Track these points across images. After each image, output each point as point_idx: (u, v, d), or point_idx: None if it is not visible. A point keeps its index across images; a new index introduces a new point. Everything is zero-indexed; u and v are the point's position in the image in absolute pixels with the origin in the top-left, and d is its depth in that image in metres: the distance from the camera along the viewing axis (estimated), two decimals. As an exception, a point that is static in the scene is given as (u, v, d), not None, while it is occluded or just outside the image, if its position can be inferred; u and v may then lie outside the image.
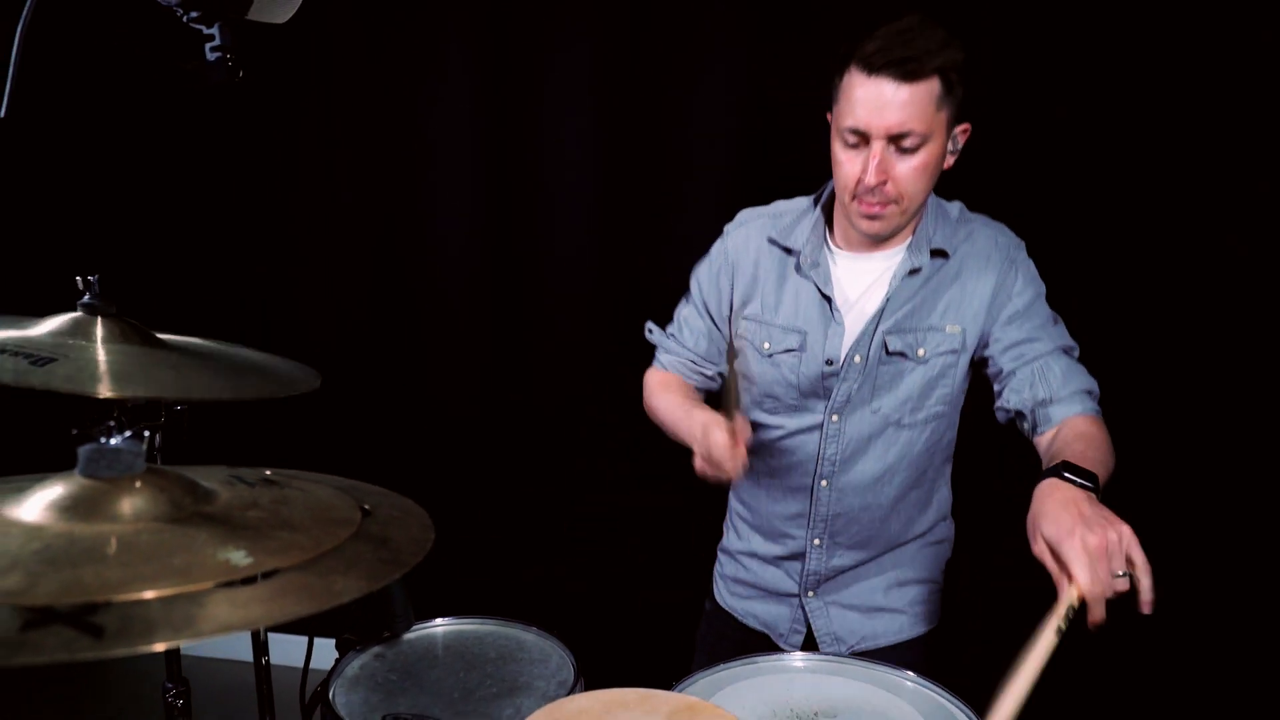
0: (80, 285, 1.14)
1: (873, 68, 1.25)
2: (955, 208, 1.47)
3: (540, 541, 2.32)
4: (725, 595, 1.67)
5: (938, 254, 1.41)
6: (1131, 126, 2.03)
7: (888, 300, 1.41)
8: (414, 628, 1.30)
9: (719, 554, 1.71)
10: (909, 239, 1.42)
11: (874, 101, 1.25)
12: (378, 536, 0.77)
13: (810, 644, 1.57)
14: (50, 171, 2.14)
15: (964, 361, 1.42)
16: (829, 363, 1.44)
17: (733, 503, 1.68)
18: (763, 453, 1.54)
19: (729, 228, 1.57)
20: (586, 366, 2.37)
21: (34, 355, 1.03)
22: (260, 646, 1.27)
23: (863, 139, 1.29)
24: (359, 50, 2.40)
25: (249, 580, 0.65)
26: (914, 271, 1.40)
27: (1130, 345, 2.09)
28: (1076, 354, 1.40)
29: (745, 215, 1.56)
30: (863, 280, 1.45)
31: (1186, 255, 2.04)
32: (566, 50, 2.33)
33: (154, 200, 2.44)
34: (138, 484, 0.75)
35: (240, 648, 2.83)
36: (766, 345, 1.48)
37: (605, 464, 2.27)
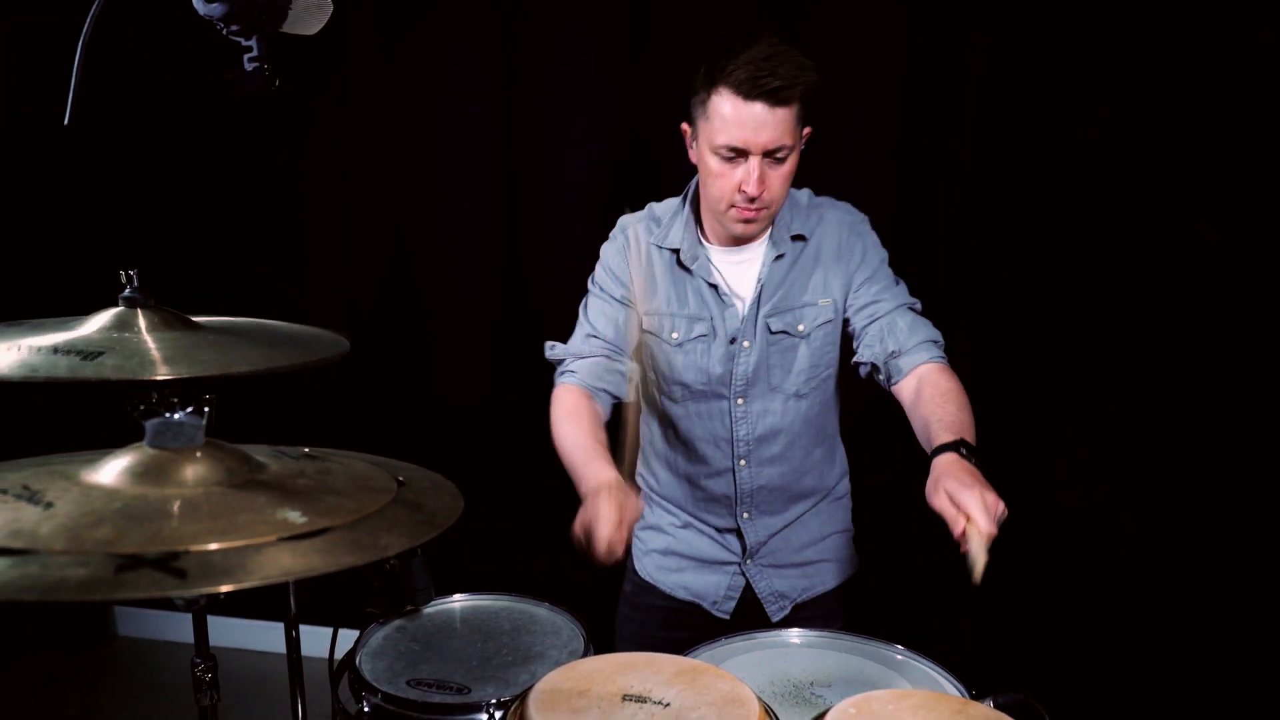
0: (123, 279, 1.23)
1: (748, 95, 1.38)
2: (804, 195, 1.61)
3: (551, 524, 2.39)
4: (652, 570, 1.72)
5: (797, 238, 1.56)
6: (1117, 125, 2.12)
7: (762, 286, 1.55)
8: (433, 603, 1.39)
9: (638, 533, 1.75)
10: (769, 232, 1.57)
11: (751, 124, 1.39)
12: (413, 503, 0.86)
13: (743, 609, 1.65)
14: (95, 173, 2.27)
15: (839, 326, 1.58)
16: (732, 341, 1.56)
17: (650, 484, 1.73)
18: (679, 444, 1.65)
19: (615, 232, 1.65)
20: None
21: (84, 351, 1.11)
22: (291, 620, 1.35)
23: (740, 155, 1.43)
24: (373, 58, 2.48)
25: (306, 535, 0.74)
26: (779, 257, 1.55)
27: (1125, 344, 2.19)
28: (919, 308, 1.57)
29: (625, 220, 1.65)
30: (736, 270, 1.57)
31: (1167, 249, 2.13)
32: (571, 57, 2.42)
33: (183, 198, 2.55)
34: (198, 454, 0.84)
35: (268, 639, 2.93)
36: (676, 335, 1.58)
37: (615, 452, 2.34)
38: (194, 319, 1.26)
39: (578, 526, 1.31)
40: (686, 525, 1.70)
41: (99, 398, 1.16)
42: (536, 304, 2.53)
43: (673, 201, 1.65)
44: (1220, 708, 2.21)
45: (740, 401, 1.58)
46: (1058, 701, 1.11)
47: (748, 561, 1.67)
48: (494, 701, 1.14)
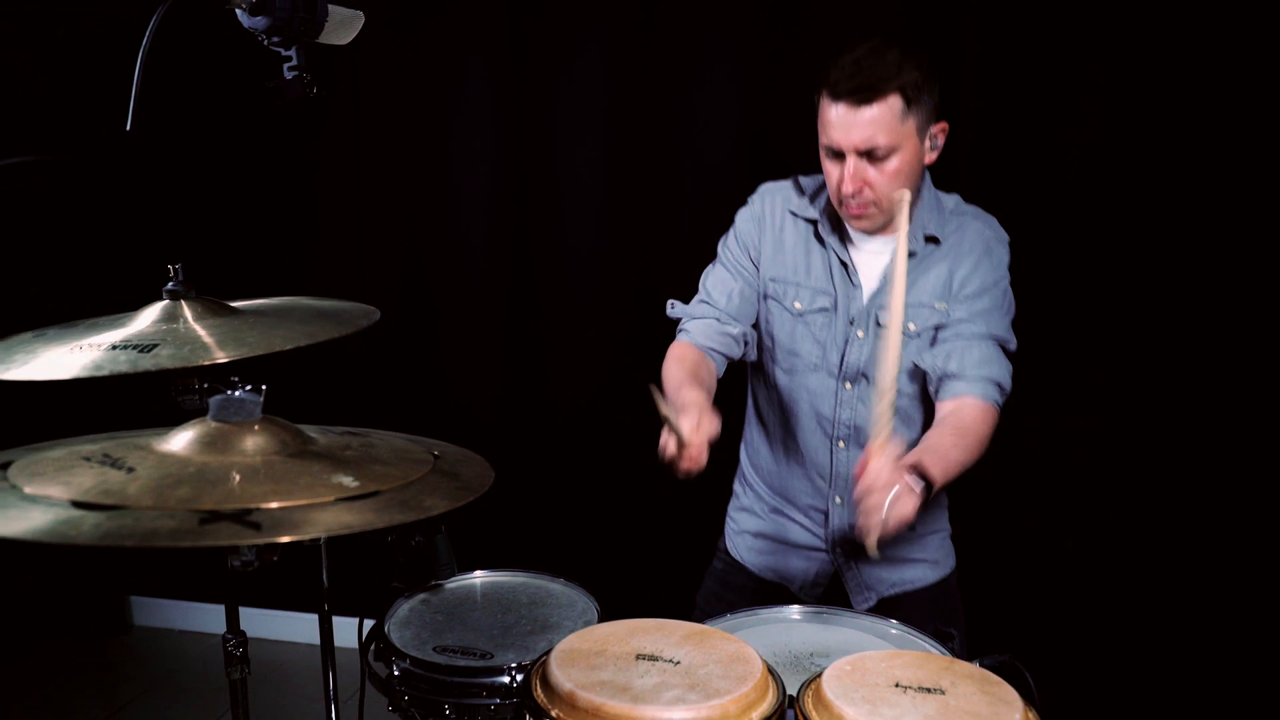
0: (170, 273, 1.33)
1: (836, 95, 1.45)
2: (952, 200, 1.63)
3: (565, 505, 2.55)
4: (743, 551, 1.78)
5: (930, 240, 1.58)
6: (1120, 127, 2.23)
7: (884, 279, 1.57)
8: (455, 578, 1.48)
9: (733, 513, 1.83)
10: (906, 225, 1.57)
11: (840, 124, 1.45)
12: (449, 472, 0.96)
13: (830, 596, 1.72)
14: (147, 174, 2.41)
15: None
16: (851, 323, 1.59)
17: (746, 463, 1.81)
18: (783, 414, 1.69)
19: (752, 198, 1.70)
20: (600, 353, 2.56)
21: (140, 345, 1.20)
22: (324, 592, 1.45)
23: (838, 154, 1.48)
24: (388, 61, 2.58)
25: (359, 496, 0.84)
26: (910, 255, 1.55)
27: (1112, 325, 2.30)
28: (1012, 348, 1.57)
29: (766, 187, 1.69)
30: (866, 259, 1.60)
31: (1157, 236, 2.23)
32: (579, 59, 2.51)
33: (217, 196, 2.67)
34: (256, 427, 0.94)
35: (298, 630, 3.03)
36: (798, 304, 1.62)
37: (622, 437, 2.45)
38: (232, 304, 1.37)
39: (663, 441, 1.37)
40: (777, 510, 1.75)
41: (143, 388, 1.24)
42: (545, 298, 2.63)
43: (817, 177, 1.64)
44: (1197, 667, 2.33)
45: (848, 386, 1.61)
46: (1040, 663, 1.20)
47: (837, 550, 1.70)
48: (515, 665, 1.24)
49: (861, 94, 1.42)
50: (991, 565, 2.26)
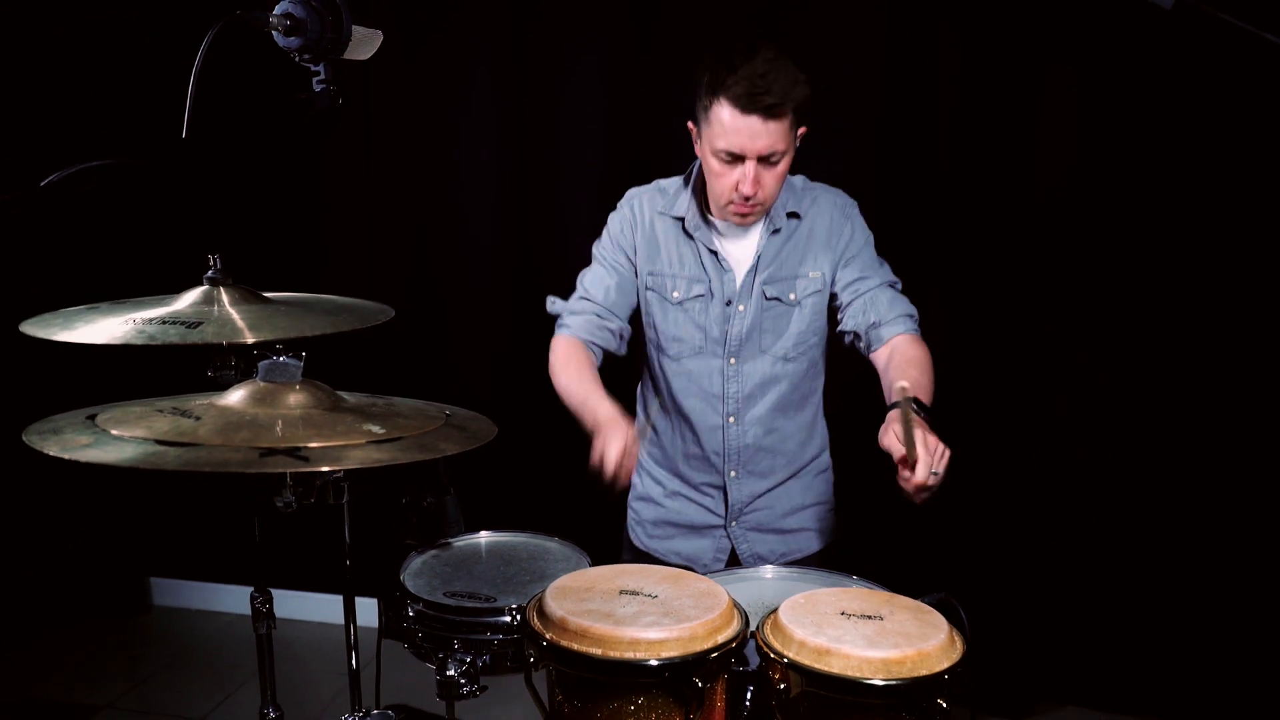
0: (211, 262, 1.52)
1: (745, 109, 1.58)
2: (799, 180, 1.83)
3: (560, 473, 2.70)
4: (645, 539, 1.94)
5: (792, 215, 1.78)
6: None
7: (759, 256, 1.77)
8: (462, 537, 1.67)
9: (632, 504, 1.98)
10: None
11: (746, 133, 1.60)
12: (460, 426, 1.16)
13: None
14: (192, 175, 2.74)
15: (826, 298, 1.80)
16: (728, 303, 1.78)
17: (644, 456, 1.95)
18: (673, 401, 1.85)
19: (621, 203, 1.88)
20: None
21: (187, 322, 1.40)
22: (346, 550, 1.64)
23: (736, 159, 1.64)
24: (396, 63, 2.79)
25: (386, 440, 1.03)
26: (776, 231, 1.77)
27: (1084, 306, 2.52)
28: (899, 287, 1.81)
29: (632, 192, 1.88)
30: (736, 243, 1.79)
31: (1132, 222, 2.45)
32: (579, 61, 2.72)
33: (250, 194, 2.93)
34: (297, 387, 1.13)
35: (324, 610, 3.24)
36: (676, 294, 1.79)
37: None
38: (264, 294, 1.56)
39: (593, 458, 1.54)
40: (675, 494, 1.91)
41: (177, 361, 1.43)
42: (546, 289, 2.83)
43: (676, 179, 1.86)
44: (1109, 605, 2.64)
45: (733, 361, 1.79)
46: (972, 601, 1.39)
47: (732, 524, 1.87)
48: (515, 607, 1.42)
49: (771, 110, 1.58)
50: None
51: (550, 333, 1.88)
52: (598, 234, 2.42)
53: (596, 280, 1.86)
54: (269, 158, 2.87)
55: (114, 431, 0.99)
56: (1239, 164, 2.36)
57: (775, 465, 1.87)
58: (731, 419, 1.83)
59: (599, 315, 1.83)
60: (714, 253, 1.79)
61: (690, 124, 1.75)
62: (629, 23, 2.67)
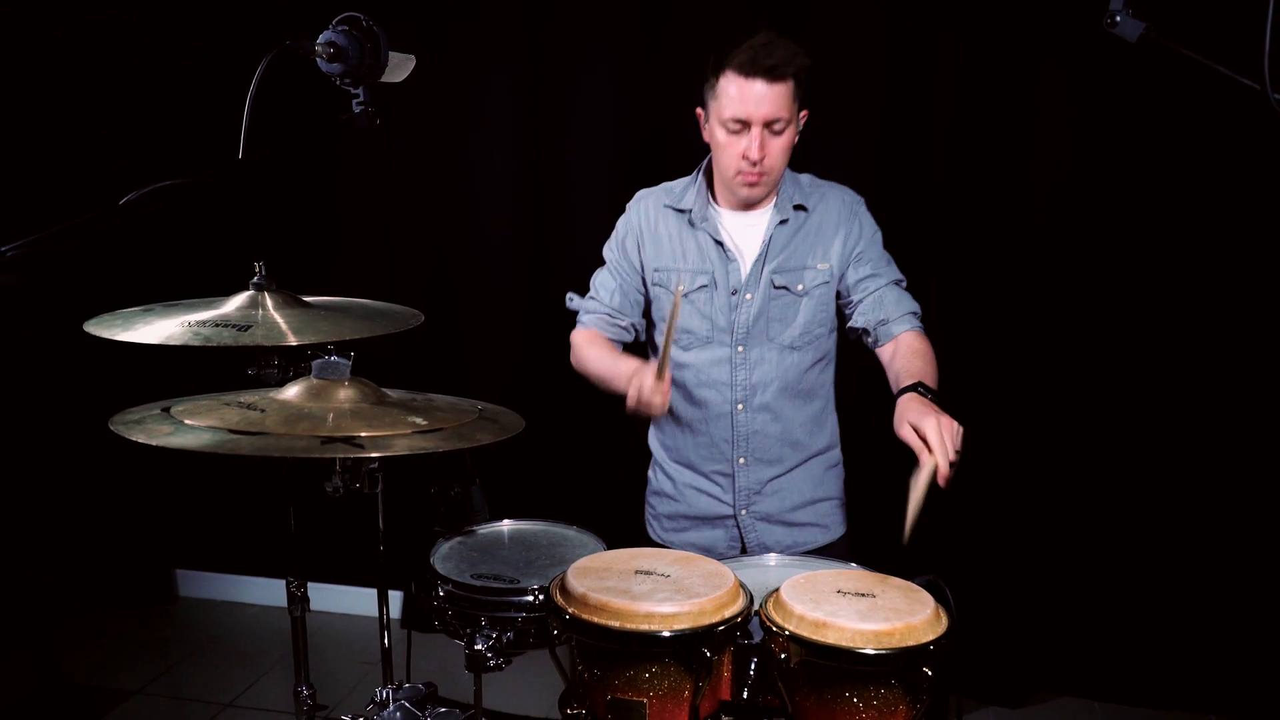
0: (257, 268, 1.66)
1: (749, 73, 1.72)
2: (806, 178, 1.94)
3: (581, 465, 2.95)
4: (661, 532, 2.05)
5: (799, 208, 1.89)
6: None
7: (768, 246, 1.87)
8: (486, 525, 1.81)
9: (649, 499, 2.10)
10: (774, 201, 1.89)
11: (752, 98, 1.72)
12: (491, 419, 1.29)
13: None
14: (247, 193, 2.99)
15: (834, 290, 1.91)
16: (734, 293, 1.87)
17: (657, 448, 2.07)
18: (683, 392, 1.95)
19: (630, 204, 2.00)
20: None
21: (237, 325, 1.53)
22: (380, 536, 1.78)
23: (744, 126, 1.75)
24: (415, 79, 2.91)
25: (428, 431, 1.17)
26: (783, 222, 1.87)
27: (1076, 300, 2.65)
28: (904, 284, 1.93)
29: (641, 193, 2.00)
30: (744, 232, 1.90)
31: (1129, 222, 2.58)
32: (591, 68, 2.86)
33: (290, 206, 3.12)
34: (346, 383, 1.27)
35: (358, 602, 3.38)
36: (681, 287, 1.89)
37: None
38: (304, 298, 1.70)
39: (629, 402, 1.68)
40: (687, 486, 2.00)
41: (218, 360, 1.57)
42: (560, 290, 2.96)
43: (684, 178, 1.97)
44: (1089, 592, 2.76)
45: (740, 349, 1.88)
46: (971, 591, 1.52)
47: (742, 514, 1.97)
48: (537, 587, 1.56)
49: (773, 71, 1.71)
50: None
51: (565, 333, 2.02)
52: (609, 236, 2.57)
53: (604, 285, 2.00)
54: (308, 172, 3.06)
55: (188, 422, 1.13)
56: (1238, 165, 2.49)
57: (783, 452, 1.95)
58: (740, 406, 1.92)
59: (609, 315, 1.98)
60: (719, 243, 1.90)
61: (698, 110, 1.86)
62: (639, 31, 2.80)
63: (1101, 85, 2.53)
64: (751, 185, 1.82)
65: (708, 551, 1.99)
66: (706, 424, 1.96)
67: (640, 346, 2.06)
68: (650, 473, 2.12)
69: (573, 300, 2.05)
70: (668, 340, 1.68)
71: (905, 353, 1.80)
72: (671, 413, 2.00)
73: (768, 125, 1.75)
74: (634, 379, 1.69)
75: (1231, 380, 2.61)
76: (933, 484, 1.52)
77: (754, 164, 1.77)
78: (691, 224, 1.92)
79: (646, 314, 2.01)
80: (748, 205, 1.90)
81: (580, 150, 2.91)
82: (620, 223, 2.02)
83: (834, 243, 1.90)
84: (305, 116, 1.84)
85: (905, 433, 1.58)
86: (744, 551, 2.00)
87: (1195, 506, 2.69)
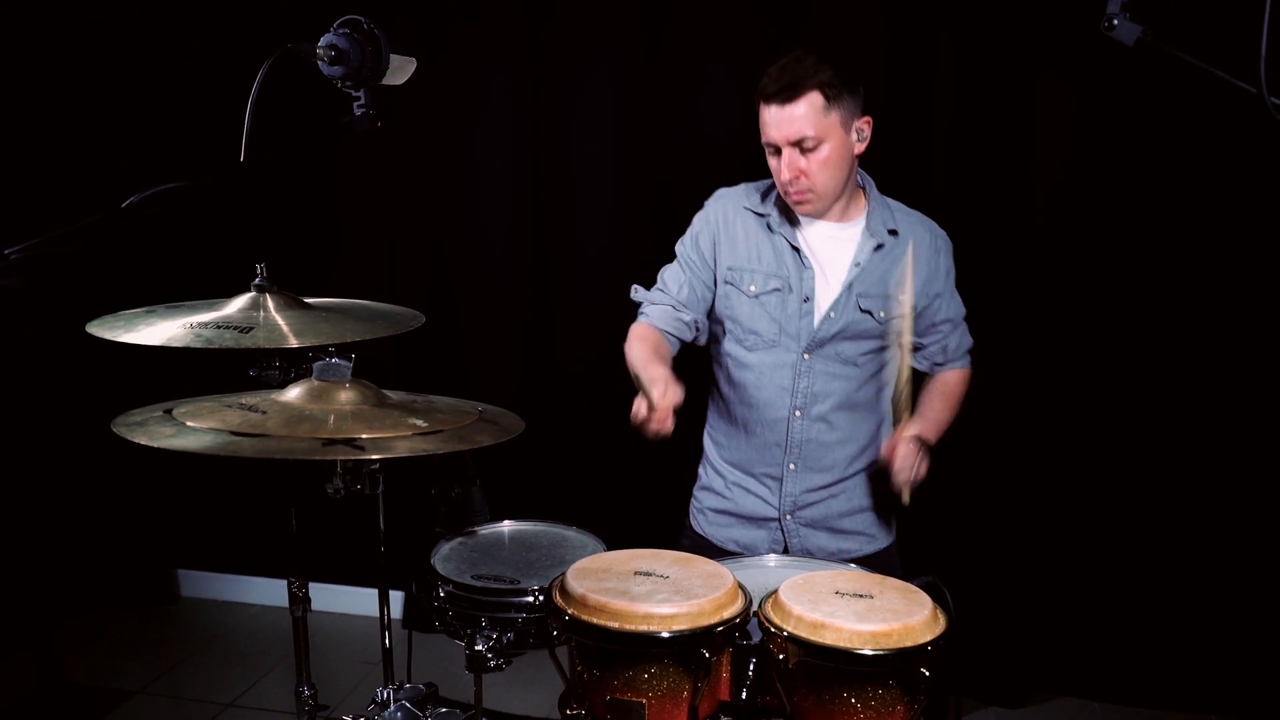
0: (258, 270, 1.67)
1: (765, 98, 1.79)
2: (895, 203, 1.98)
3: (581, 466, 2.95)
4: (705, 526, 2.06)
5: (892, 232, 1.91)
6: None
7: (860, 269, 1.88)
8: (487, 525, 1.81)
9: (696, 493, 2.11)
10: (862, 216, 1.92)
11: (773, 122, 1.79)
12: (491, 420, 1.30)
13: None
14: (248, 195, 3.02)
15: (910, 321, 1.90)
16: (805, 300, 1.88)
17: (709, 444, 2.09)
18: (741, 393, 1.96)
19: (709, 202, 2.02)
20: (609, 342, 2.88)
21: (239, 327, 1.54)
22: (381, 537, 1.79)
23: (776, 151, 1.81)
24: (416, 81, 2.92)
25: (428, 433, 1.18)
26: (879, 247, 1.89)
27: (1069, 301, 2.67)
28: (965, 315, 2.03)
29: (721, 192, 2.02)
30: (828, 242, 1.91)
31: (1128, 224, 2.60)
32: (591, 73, 2.87)
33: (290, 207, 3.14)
34: (347, 385, 1.28)
35: (359, 603, 3.38)
36: (753, 288, 1.90)
37: (628, 413, 2.79)
38: (305, 300, 1.71)
39: (635, 407, 1.69)
40: (735, 485, 2.01)
41: (217, 361, 1.57)
42: (560, 293, 2.98)
43: (765, 181, 1.97)
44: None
45: (807, 357, 1.90)
46: (972, 592, 1.53)
47: (787, 518, 1.97)
48: (537, 588, 1.56)
49: (785, 94, 1.75)
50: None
51: (565, 335, 2.04)
52: (611, 239, 2.60)
53: (674, 278, 2.01)
54: (309, 175, 3.07)
55: (190, 424, 1.14)
56: (1235, 167, 2.50)
57: (834, 462, 1.96)
58: (798, 413, 1.92)
59: (674, 308, 1.98)
60: (796, 249, 1.91)
61: None
62: (640, 32, 2.81)
63: (1100, 88, 2.54)
64: (799, 203, 1.86)
65: (750, 551, 1.99)
66: (762, 427, 1.96)
67: (700, 353, 2.07)
68: (700, 468, 2.13)
69: (637, 292, 2.06)
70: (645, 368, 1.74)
71: (938, 389, 2.00)
72: (727, 411, 2.03)
73: (796, 145, 1.78)
74: (646, 387, 1.69)
75: (1230, 380, 2.62)
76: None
77: (790, 182, 1.81)
78: (769, 228, 1.94)
79: (710, 314, 2.01)
80: (825, 216, 1.92)
81: (581, 151, 2.93)
82: (697, 218, 2.03)
83: (919, 279, 1.92)
84: (306, 119, 1.85)
85: (884, 450, 1.83)
86: (786, 553, 1.99)
87: (1195, 507, 2.69)
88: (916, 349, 1.97)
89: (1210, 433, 2.65)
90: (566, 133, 2.92)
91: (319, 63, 1.53)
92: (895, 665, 1.26)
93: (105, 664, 3.15)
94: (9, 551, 3.36)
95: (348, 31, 1.53)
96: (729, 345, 1.99)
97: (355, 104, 1.59)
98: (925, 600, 1.37)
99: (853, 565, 1.74)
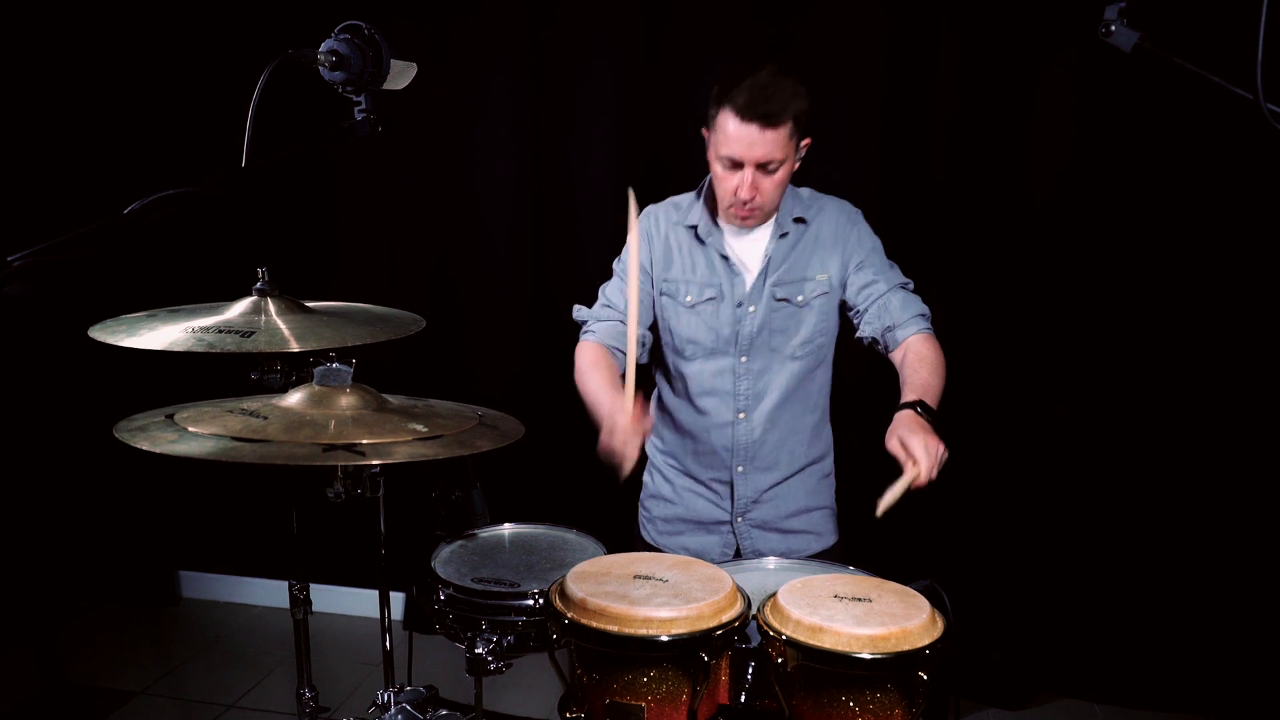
0: (260, 274, 1.67)
1: (745, 117, 1.72)
2: (805, 191, 1.98)
3: (581, 470, 2.84)
4: (655, 535, 2.07)
5: (798, 221, 1.91)
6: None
7: (769, 260, 1.90)
8: (487, 528, 1.82)
9: (644, 502, 2.11)
10: (774, 216, 1.92)
11: (745, 141, 1.74)
12: (492, 425, 1.31)
13: None
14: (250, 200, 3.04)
15: (834, 301, 1.93)
16: (739, 305, 1.90)
17: (654, 453, 2.08)
18: (686, 401, 1.97)
19: (639, 219, 1.97)
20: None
21: (241, 331, 1.54)
22: (381, 540, 1.79)
23: (737, 165, 1.78)
24: (417, 85, 2.94)
25: (428, 438, 1.19)
26: (783, 235, 1.90)
27: (1072, 299, 2.65)
28: (911, 287, 1.94)
29: (649, 208, 2.01)
30: (746, 246, 1.93)
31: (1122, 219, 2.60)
32: (590, 75, 2.88)
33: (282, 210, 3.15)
34: (348, 390, 1.29)
35: (360, 604, 3.39)
36: (689, 298, 1.92)
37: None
38: (307, 304, 1.71)
39: (599, 446, 1.66)
40: (685, 491, 2.02)
41: (217, 365, 1.58)
42: (562, 297, 2.97)
43: (688, 194, 2.00)
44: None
45: (744, 359, 1.92)
46: (972, 594, 1.53)
47: (738, 520, 1.99)
48: (537, 591, 1.57)
49: (770, 118, 1.73)
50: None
51: (566, 338, 2.03)
52: (611, 242, 2.59)
53: (617, 292, 2.00)
54: (311, 179, 3.08)
55: (192, 429, 1.15)
56: (1232, 172, 2.51)
57: (780, 459, 1.99)
58: (742, 415, 1.95)
59: (621, 322, 1.97)
60: (725, 258, 1.93)
61: (704, 130, 1.88)
62: (640, 36, 2.83)
63: (1100, 90, 2.55)
64: (744, 219, 1.86)
65: (701, 557, 2.01)
66: (708, 433, 1.98)
67: (643, 368, 2.03)
68: (646, 476, 2.13)
69: (580, 311, 2.05)
70: (629, 376, 1.69)
71: (912, 360, 1.82)
72: (672, 420, 2.03)
73: (760, 166, 1.77)
74: (608, 425, 1.67)
75: (1229, 381, 2.62)
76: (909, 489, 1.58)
77: (744, 202, 1.80)
78: (699, 239, 1.95)
79: (653, 327, 2.02)
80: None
81: (582, 155, 2.94)
82: (630, 235, 2.00)
83: (833, 254, 1.93)
84: (308, 124, 1.86)
85: (893, 446, 1.62)
86: (738, 556, 2.01)
87: (1195, 508, 2.70)
88: (855, 318, 1.93)
89: (1209, 434, 2.65)
90: (567, 137, 2.94)
91: (320, 68, 1.54)
92: (893, 669, 1.27)
93: (107, 665, 3.16)
94: (12, 553, 3.37)
95: (349, 37, 1.54)
96: (668, 355, 2.00)
97: (356, 109, 1.59)
98: (923, 604, 1.37)
99: (852, 568, 1.74)
